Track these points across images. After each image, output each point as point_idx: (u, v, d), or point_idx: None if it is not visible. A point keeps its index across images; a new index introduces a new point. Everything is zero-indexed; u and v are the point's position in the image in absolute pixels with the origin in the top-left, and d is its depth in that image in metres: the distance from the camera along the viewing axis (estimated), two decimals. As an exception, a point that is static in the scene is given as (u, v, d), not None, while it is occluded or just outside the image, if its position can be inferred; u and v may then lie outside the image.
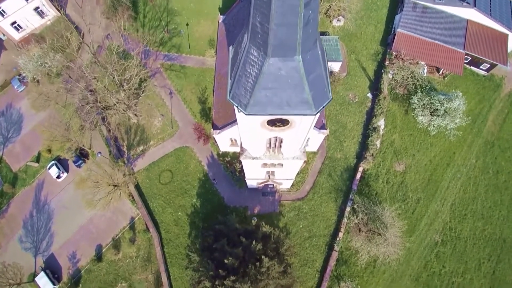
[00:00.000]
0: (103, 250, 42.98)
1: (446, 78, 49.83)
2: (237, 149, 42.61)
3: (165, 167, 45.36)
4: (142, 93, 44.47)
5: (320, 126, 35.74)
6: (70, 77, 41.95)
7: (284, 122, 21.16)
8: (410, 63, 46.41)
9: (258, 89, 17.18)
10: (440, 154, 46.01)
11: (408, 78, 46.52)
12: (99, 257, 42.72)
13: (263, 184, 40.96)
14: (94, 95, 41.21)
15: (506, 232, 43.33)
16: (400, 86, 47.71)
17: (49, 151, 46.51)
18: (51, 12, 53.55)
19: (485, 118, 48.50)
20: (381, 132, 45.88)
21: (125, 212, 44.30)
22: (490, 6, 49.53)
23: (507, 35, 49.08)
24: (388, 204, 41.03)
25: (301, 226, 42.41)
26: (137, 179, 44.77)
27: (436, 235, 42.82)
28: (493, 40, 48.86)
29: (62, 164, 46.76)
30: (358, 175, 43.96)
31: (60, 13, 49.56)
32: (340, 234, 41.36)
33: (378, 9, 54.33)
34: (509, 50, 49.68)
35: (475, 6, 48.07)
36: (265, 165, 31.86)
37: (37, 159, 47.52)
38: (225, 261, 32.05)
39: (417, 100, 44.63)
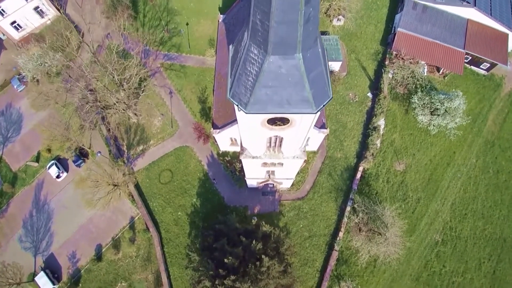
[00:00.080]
0: (103, 250, 42.92)
1: (446, 78, 49.79)
2: (237, 149, 42.56)
3: (165, 166, 45.30)
4: (142, 93, 44.41)
5: (320, 125, 35.70)
6: (69, 76, 41.89)
7: (284, 121, 21.10)
8: (410, 63, 46.36)
9: (258, 88, 17.11)
10: (440, 154, 45.97)
11: (408, 77, 46.47)
12: (99, 256, 42.65)
13: (263, 184, 40.91)
14: (94, 95, 41.16)
15: (507, 231, 43.27)
16: (400, 85, 47.67)
17: (49, 150, 46.45)
18: (51, 12, 53.50)
19: (485, 118, 48.46)
20: (381, 132, 45.84)
21: (125, 212, 44.23)
22: (490, 6, 49.48)
23: (507, 35, 49.04)
24: (389, 204, 40.95)
25: (301, 225, 42.35)
26: (137, 178, 44.71)
27: (437, 235, 42.76)
28: (493, 40, 48.81)
29: (61, 163, 46.71)
30: (358, 175, 43.91)
31: (60, 12, 49.52)
32: (340, 234, 41.31)
33: (378, 9, 54.29)
34: (509, 50, 49.62)
35: (475, 5, 48.01)
36: (265, 164, 31.80)
37: (37, 159, 47.45)
38: (225, 260, 32.00)
39: (417, 100, 44.59)
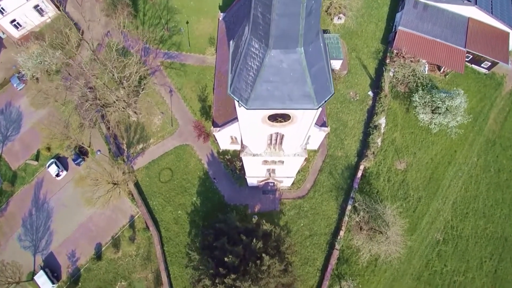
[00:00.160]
0: (103, 249, 42.72)
1: (447, 76, 49.63)
2: (237, 147, 42.38)
3: (165, 165, 45.11)
4: (141, 91, 44.24)
5: (321, 123, 35.52)
6: (69, 74, 41.72)
7: (285, 117, 20.94)
8: (411, 61, 46.23)
9: (259, 83, 16.93)
10: (441, 153, 45.78)
11: (409, 76, 46.32)
12: (98, 255, 42.45)
13: (263, 182, 40.75)
14: (94, 92, 40.99)
15: (508, 230, 43.06)
16: (401, 84, 47.51)
17: (49, 149, 46.25)
18: (51, 10, 53.35)
19: (486, 116, 48.29)
20: (382, 130, 45.66)
21: (124, 211, 44.03)
22: (491, 4, 49.38)
23: (508, 33, 48.94)
24: (389, 203, 40.71)
25: (302, 224, 42.15)
26: (137, 177, 44.53)
27: (438, 234, 42.56)
28: (494, 38, 48.68)
29: (61, 162, 46.53)
30: (359, 173, 43.72)
31: (60, 10, 49.36)
32: (341, 233, 41.11)
33: (379, 7, 54.16)
34: (510, 48, 49.50)
35: (476, 4, 47.93)
36: (265, 162, 31.64)
37: (37, 157, 47.27)
38: (226, 259, 31.77)
39: (418, 98, 44.44)
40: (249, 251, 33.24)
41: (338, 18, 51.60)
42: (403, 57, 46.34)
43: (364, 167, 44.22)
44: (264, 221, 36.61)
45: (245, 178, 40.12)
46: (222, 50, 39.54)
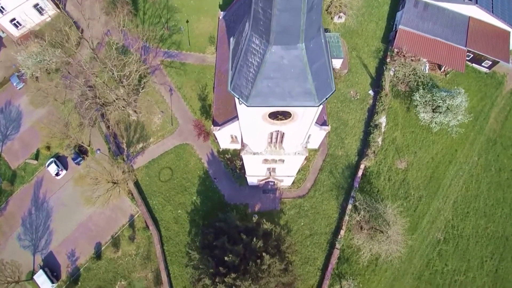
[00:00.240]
0: (102, 248, 42.58)
1: (448, 75, 49.52)
2: (238, 146, 42.27)
3: (165, 164, 44.98)
4: (141, 90, 44.14)
5: (322, 122, 35.39)
6: (68, 72, 41.61)
7: (286, 115, 20.81)
8: (412, 60, 46.11)
9: (260, 79, 16.81)
10: (442, 152, 45.66)
11: (409, 75, 46.21)
12: (98, 255, 42.31)
13: (263, 182, 40.62)
14: (93, 91, 40.84)
15: (509, 230, 42.91)
16: (401, 83, 47.41)
17: (48, 148, 46.15)
18: (51, 9, 53.27)
19: (487, 116, 48.17)
20: (382, 129, 45.54)
21: (124, 210, 43.90)
22: (492, 3, 49.21)
23: (509, 32, 48.81)
24: (390, 202, 40.55)
25: (302, 223, 42.02)
26: (137, 176, 44.40)
27: (439, 233, 42.43)
28: (495, 37, 48.55)
29: (61, 161, 46.40)
30: (360, 173, 43.60)
31: (59, 8, 49.24)
32: (342, 232, 40.99)
33: (380, 6, 54.05)
34: (511, 47, 49.30)
35: (476, 3, 47.79)
36: (266, 161, 31.51)
37: (36, 157, 47.14)
38: (226, 258, 31.63)
39: (419, 97, 44.32)
40: (250, 250, 33.12)
41: (339, 17, 51.49)
42: (404, 56, 46.22)
43: (365, 166, 44.09)
44: (264, 220, 36.45)
45: (245, 177, 40.03)
46: (222, 49, 39.42)
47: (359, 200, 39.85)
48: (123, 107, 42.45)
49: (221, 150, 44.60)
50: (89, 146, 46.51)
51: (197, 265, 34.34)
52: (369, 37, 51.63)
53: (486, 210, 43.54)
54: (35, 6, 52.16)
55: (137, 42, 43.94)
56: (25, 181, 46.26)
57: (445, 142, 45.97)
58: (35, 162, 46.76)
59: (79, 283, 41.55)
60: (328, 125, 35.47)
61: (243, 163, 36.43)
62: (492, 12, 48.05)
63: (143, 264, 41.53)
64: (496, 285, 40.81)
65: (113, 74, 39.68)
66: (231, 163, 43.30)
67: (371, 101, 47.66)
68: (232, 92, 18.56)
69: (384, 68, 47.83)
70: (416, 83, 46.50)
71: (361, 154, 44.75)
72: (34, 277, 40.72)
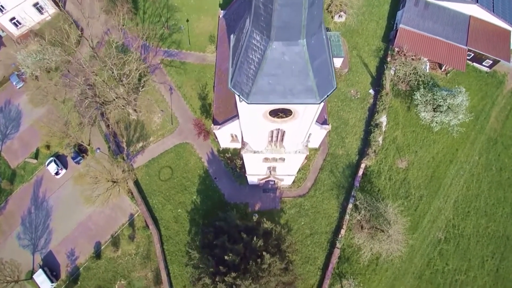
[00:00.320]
0: (102, 247, 42.43)
1: (448, 75, 49.41)
2: (238, 145, 42.12)
3: (165, 163, 44.86)
4: (141, 88, 44.01)
5: (322, 121, 35.24)
6: (68, 71, 41.47)
7: (286, 113, 20.68)
8: (413, 59, 46.01)
9: (261, 76, 16.67)
10: (443, 151, 45.54)
11: (410, 74, 46.12)
12: (97, 254, 42.16)
13: (264, 181, 40.46)
14: (93, 89, 40.72)
15: (510, 229, 42.79)
16: (402, 82, 47.30)
17: (48, 147, 46.02)
18: (50, 8, 53.15)
19: (488, 115, 48.07)
20: (383, 129, 45.42)
21: (124, 209, 43.76)
22: (493, 2, 49.12)
23: (509, 32, 48.71)
24: (391, 201, 40.44)
25: (303, 223, 41.89)
26: (137, 175, 44.25)
27: (439, 233, 42.30)
28: (495, 36, 48.45)
29: (60, 160, 46.27)
30: (360, 172, 43.48)
31: (59, 6, 49.14)
32: (342, 231, 40.86)
33: (380, 5, 53.96)
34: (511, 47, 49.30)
35: (477, 2, 47.69)
36: (266, 159, 31.39)
37: (36, 156, 47.01)
38: (226, 257, 31.49)
39: (420, 96, 44.18)
40: (250, 249, 32.98)
41: (339, 16, 51.39)
42: (404, 55, 46.12)
43: (365, 166, 43.97)
44: (264, 219, 36.30)
45: (246, 176, 39.90)
46: (223, 48, 39.28)
47: (360, 199, 39.69)
48: (123, 106, 42.32)
49: (221, 149, 44.47)
50: (88, 145, 46.39)
51: (197, 264, 34.22)
52: (369, 36, 51.53)
53: (487, 210, 43.42)
54: (35, 5, 51.99)
55: (137, 41, 43.76)
56: (24, 180, 46.13)
57: (446, 141, 45.86)
58: (34, 161, 46.63)
59: (79, 282, 41.40)
60: (328, 124, 35.29)
61: (243, 162, 36.30)
62: (493, 11, 47.95)
63: (143, 264, 41.39)
64: (497, 285, 40.69)
65: (113, 72, 39.57)
66: (231, 162, 43.18)
67: (371, 100, 47.55)
68: (232, 89, 18.43)
69: (385, 67, 47.73)
70: (416, 82, 46.40)
71: (362, 153, 44.62)
72: (34, 276, 40.55)
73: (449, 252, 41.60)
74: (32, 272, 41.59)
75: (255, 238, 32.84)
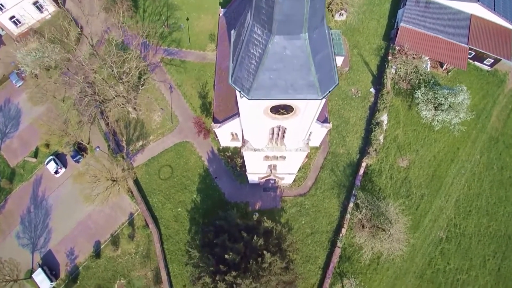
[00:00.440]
0: (102, 247, 42.21)
1: (449, 73, 49.24)
2: (238, 144, 41.96)
3: (164, 162, 44.66)
4: (141, 87, 43.80)
5: (323, 120, 35.10)
6: (68, 69, 41.26)
7: (287, 109, 20.50)
8: (414, 58, 45.83)
9: (262, 71, 16.46)
10: (444, 150, 45.35)
11: (411, 72, 45.95)
12: (97, 253, 41.94)
13: (264, 179, 40.25)
14: (93, 87, 40.51)
15: (511, 228, 42.56)
16: (403, 80, 47.12)
17: (47, 146, 45.82)
18: (50, 7, 52.98)
19: (489, 114, 47.88)
20: (384, 127, 45.23)
21: (124, 208, 43.54)
22: (494, 1, 48.98)
23: (511, 30, 48.53)
24: (392, 200, 40.25)
25: (303, 222, 41.68)
26: (136, 174, 43.99)
27: (441, 232, 42.09)
28: (497, 35, 48.30)
29: (60, 159, 46.07)
30: (361, 171, 43.27)
31: (58, 5, 48.94)
32: (343, 230, 40.64)
33: (381, 4, 53.81)
34: (513, 45, 49.04)
35: (478, 1, 47.50)
36: (267, 157, 31.18)
37: (35, 154, 46.81)
38: (226, 256, 31.28)
39: (421, 95, 44.00)
40: (250, 248, 32.76)
41: (340, 14, 51.21)
42: (405, 53, 45.93)
43: (366, 164, 43.76)
44: (265, 218, 36.09)
45: (246, 175, 39.69)
46: (223, 46, 39.12)
47: (361, 198, 39.47)
48: (123, 104, 42.11)
49: (221, 148, 44.28)
50: (88, 143, 46.19)
51: (197, 263, 33.99)
52: (370, 34, 51.36)
53: (488, 209, 43.22)
54: (35, 3, 51.85)
55: (137, 39, 43.57)
56: (24, 179, 45.92)
57: (447, 140, 45.67)
58: (34, 160, 46.43)
59: (78, 281, 41.17)
60: (329, 123, 35.14)
61: (243, 161, 36.10)
62: (494, 10, 47.81)
63: (143, 263, 41.17)
64: (498, 284, 40.47)
65: (112, 70, 39.35)
66: (231, 161, 42.98)
67: (372, 99, 47.36)
68: (233, 85, 18.23)
69: (386, 65, 47.58)
70: (417, 80, 46.24)
71: (363, 152, 44.43)
72: (33, 275, 40.32)
73: (450, 251, 41.38)
74: (31, 271, 41.36)
75: (255, 237, 32.61)
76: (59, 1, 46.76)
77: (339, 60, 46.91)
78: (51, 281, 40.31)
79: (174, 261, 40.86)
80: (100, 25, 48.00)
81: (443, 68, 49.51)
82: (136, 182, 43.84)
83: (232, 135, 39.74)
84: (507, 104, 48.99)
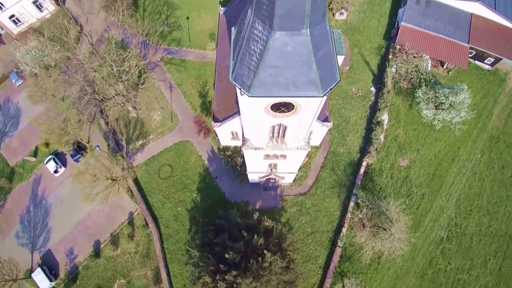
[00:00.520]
0: (101, 246, 42.06)
1: (450, 73, 49.10)
2: (238, 143, 41.84)
3: (164, 161, 44.51)
4: (141, 86, 43.65)
5: (324, 119, 34.97)
6: (67, 68, 41.12)
7: (288, 107, 20.34)
8: (414, 57, 45.70)
9: (263, 68, 16.31)
10: (445, 149, 45.21)
11: (412, 71, 45.82)
12: (97, 253, 41.79)
13: (265, 179, 40.12)
14: (92, 86, 40.37)
15: (513, 228, 42.50)
16: (404, 80, 47.00)
17: (47, 145, 45.71)
18: (50, 5, 52.86)
19: (490, 113, 47.75)
20: (385, 127, 45.08)
21: (123, 207, 43.38)
22: (495, 0, 48.83)
23: (512, 29, 48.43)
24: (393, 199, 40.11)
25: (304, 221, 41.53)
26: (136, 173, 43.89)
27: (442, 231, 41.95)
28: (497, 34, 48.15)
29: (59, 158, 45.96)
30: (362, 170, 43.13)
31: (58, 3, 48.79)
32: (344, 230, 40.50)
33: (381, 3, 53.68)
34: (514, 44, 48.90)
35: (479, 0, 47.36)
36: (267, 156, 31.03)
37: (35, 154, 46.68)
38: (226, 255, 31.14)
39: (422, 94, 43.85)
40: (250, 247, 32.62)
41: (340, 13, 51.09)
42: (406, 53, 45.78)
43: (367, 164, 43.63)
44: (265, 217, 35.97)
45: (246, 174, 39.55)
46: (223, 45, 39.00)
47: (361, 198, 39.30)
48: (122, 103, 41.96)
49: (221, 147, 44.13)
50: (88, 142, 46.05)
51: (197, 263, 33.83)
52: (371, 34, 51.23)
53: (489, 208, 43.07)
54: (34, 2, 51.79)
55: (137, 37, 43.41)
56: (23, 178, 45.80)
57: (448, 139, 45.53)
58: (33, 159, 46.30)
59: (78, 281, 41.03)
60: (330, 122, 35.02)
61: (243, 160, 35.95)
62: (495, 9, 47.65)
63: (143, 262, 41.01)
64: (499, 284, 40.32)
65: (112, 69, 39.21)
66: (231, 160, 42.84)
67: (373, 98, 47.23)
68: (233, 82, 18.07)
69: (386, 65, 47.44)
70: (418, 80, 46.12)
71: (363, 151, 44.29)
72: (32, 275, 40.19)
73: (451, 251, 41.23)
74: (31, 270, 41.23)
75: (255, 237, 32.47)
76: (59, 0, 46.56)
77: (340, 59, 46.49)
78: (51, 280, 40.20)
79: (174, 261, 40.71)
80: (100, 24, 47.87)
81: (444, 67, 49.38)
82: (136, 181, 43.70)
83: (232, 134, 39.61)
84: (508, 103, 48.85)
